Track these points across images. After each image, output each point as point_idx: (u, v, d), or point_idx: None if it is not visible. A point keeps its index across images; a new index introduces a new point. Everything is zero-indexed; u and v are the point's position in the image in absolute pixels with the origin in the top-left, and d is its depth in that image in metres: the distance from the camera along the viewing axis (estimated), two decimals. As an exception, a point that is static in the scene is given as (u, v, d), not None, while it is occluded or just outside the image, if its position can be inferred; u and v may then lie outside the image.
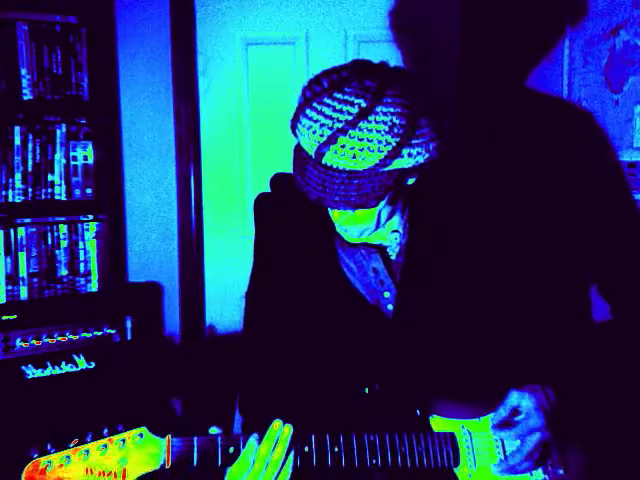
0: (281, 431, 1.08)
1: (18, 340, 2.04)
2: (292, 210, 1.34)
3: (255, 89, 2.69)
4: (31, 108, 2.19)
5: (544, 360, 1.27)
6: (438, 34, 2.60)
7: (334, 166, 1.05)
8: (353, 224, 1.18)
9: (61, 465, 1.01)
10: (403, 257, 1.28)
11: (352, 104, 1.02)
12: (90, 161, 2.30)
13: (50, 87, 2.21)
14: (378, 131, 1.02)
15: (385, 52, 2.63)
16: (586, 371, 1.28)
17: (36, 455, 1.01)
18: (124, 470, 1.03)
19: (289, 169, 1.45)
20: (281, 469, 1.07)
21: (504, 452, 1.23)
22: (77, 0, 2.23)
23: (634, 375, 1.53)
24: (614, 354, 1.36)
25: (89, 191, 2.30)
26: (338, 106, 1.03)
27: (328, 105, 1.04)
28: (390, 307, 1.28)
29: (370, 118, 1.02)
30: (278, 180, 1.42)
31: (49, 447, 1.02)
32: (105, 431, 1.05)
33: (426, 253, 1.27)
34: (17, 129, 2.18)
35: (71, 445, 1.03)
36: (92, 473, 1.02)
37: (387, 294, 1.28)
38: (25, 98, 2.18)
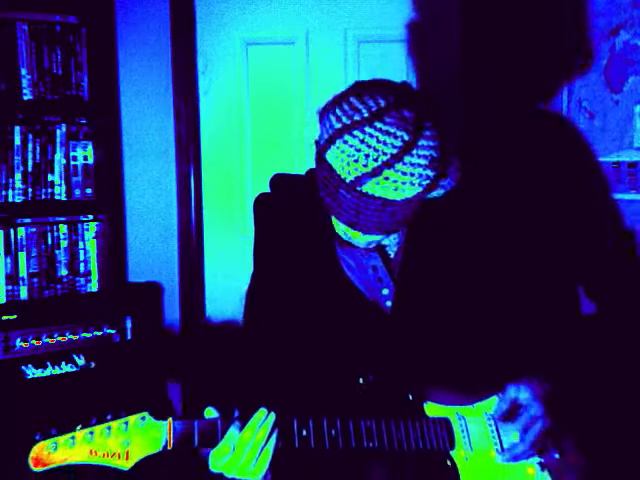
0: (265, 419, 1.11)
1: (18, 340, 2.04)
2: (291, 210, 1.35)
3: (255, 89, 2.69)
4: (31, 108, 2.19)
5: (536, 351, 1.31)
6: (438, 34, 2.60)
7: (369, 193, 1.04)
8: (363, 239, 1.19)
9: (66, 447, 1.04)
10: (401, 255, 1.30)
11: (395, 136, 1.01)
12: (90, 161, 2.30)
13: (50, 87, 2.21)
14: (420, 165, 1.02)
15: (385, 52, 2.63)
16: (576, 361, 1.31)
17: (41, 438, 1.04)
18: (127, 452, 1.06)
19: (289, 169, 1.46)
20: (261, 452, 1.10)
21: (499, 437, 1.25)
22: (77, 0, 2.23)
23: (620, 366, 1.59)
24: (600, 347, 1.40)
25: (89, 191, 2.30)
26: (382, 137, 1.01)
27: (371, 135, 1.02)
28: (388, 303, 1.30)
29: (414, 152, 1.02)
30: (278, 180, 1.42)
31: (53, 431, 1.06)
32: (109, 416, 1.08)
33: (423, 252, 1.29)
34: (17, 129, 2.18)
35: (76, 428, 1.06)
36: (96, 455, 1.05)
37: (385, 291, 1.30)
38: (25, 98, 2.18)
